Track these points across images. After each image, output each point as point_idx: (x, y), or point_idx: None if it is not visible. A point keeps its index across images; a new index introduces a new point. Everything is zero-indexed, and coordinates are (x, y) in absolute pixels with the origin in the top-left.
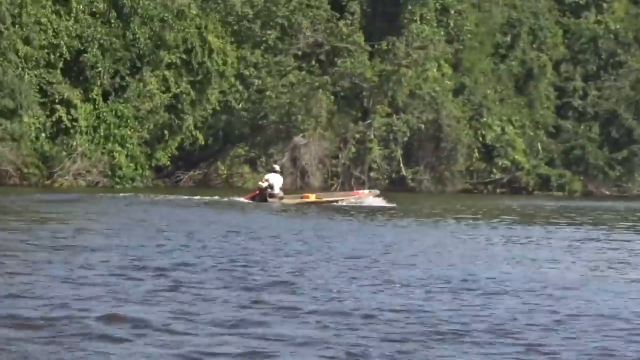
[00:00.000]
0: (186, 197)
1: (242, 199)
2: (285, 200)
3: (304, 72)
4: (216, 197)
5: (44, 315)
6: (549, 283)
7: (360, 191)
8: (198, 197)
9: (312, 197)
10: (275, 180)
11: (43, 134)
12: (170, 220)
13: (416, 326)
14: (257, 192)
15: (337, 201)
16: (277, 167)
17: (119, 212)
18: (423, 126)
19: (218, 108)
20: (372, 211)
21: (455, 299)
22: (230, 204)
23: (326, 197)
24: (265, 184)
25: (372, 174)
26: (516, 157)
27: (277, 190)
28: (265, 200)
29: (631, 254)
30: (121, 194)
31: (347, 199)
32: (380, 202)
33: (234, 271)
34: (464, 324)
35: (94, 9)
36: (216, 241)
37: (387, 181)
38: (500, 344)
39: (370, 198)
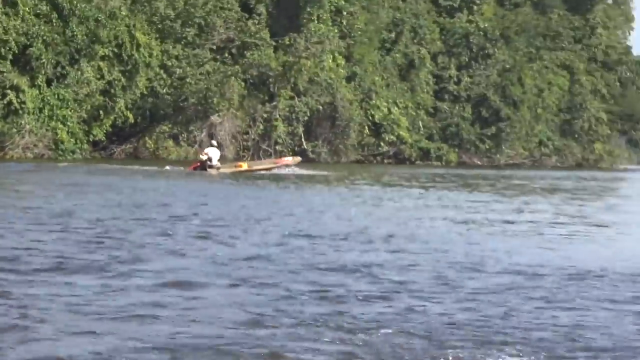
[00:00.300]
0: (142, 167)
1: (187, 169)
2: (222, 170)
3: (218, 63)
4: (167, 167)
5: None
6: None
7: (285, 158)
8: (151, 168)
9: (245, 166)
10: (214, 153)
11: None
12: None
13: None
14: (199, 163)
15: (266, 169)
16: (214, 143)
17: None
18: (321, 107)
19: (145, 92)
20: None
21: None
22: (176, 173)
23: (256, 166)
24: (205, 157)
25: (277, 147)
26: (400, 133)
27: (215, 162)
28: (205, 170)
29: (489, 211)
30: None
31: (275, 166)
32: (300, 169)
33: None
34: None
35: (38, 11)
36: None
37: (290, 154)
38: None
39: (292, 164)
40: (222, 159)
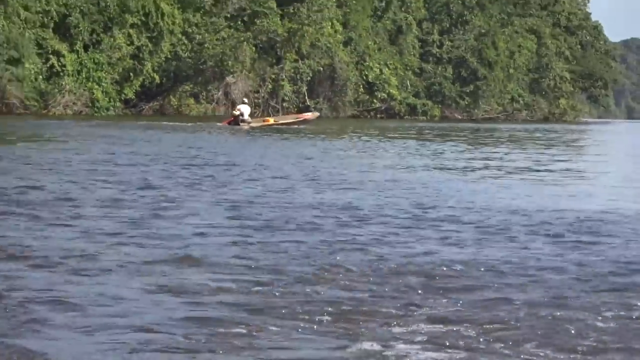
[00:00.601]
0: (182, 123)
1: (221, 124)
2: (252, 124)
3: (232, 30)
4: (200, 124)
5: None
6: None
7: (305, 114)
8: (192, 124)
9: (271, 121)
10: (245, 109)
11: (40, 76)
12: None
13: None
14: (232, 118)
15: (290, 123)
16: (246, 100)
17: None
18: (321, 69)
19: (169, 56)
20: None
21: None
22: (214, 127)
23: (281, 120)
24: (237, 113)
25: (284, 104)
26: (391, 91)
27: (246, 116)
28: (238, 124)
29: (467, 160)
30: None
31: (297, 120)
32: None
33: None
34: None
35: None
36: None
37: (295, 109)
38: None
39: (311, 118)
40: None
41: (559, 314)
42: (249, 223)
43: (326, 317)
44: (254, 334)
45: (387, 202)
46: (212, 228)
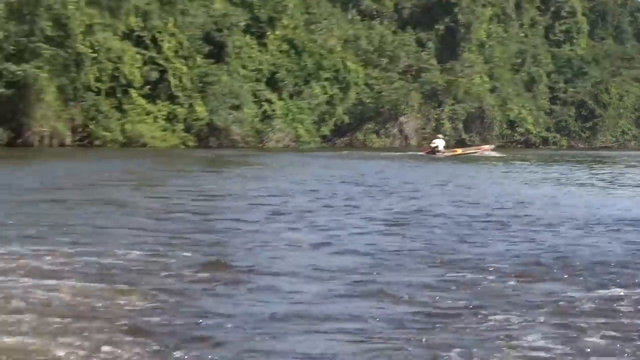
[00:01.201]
0: (389, 153)
1: (421, 153)
2: (445, 153)
3: (402, 82)
4: (409, 153)
5: None
6: None
7: (485, 145)
8: (399, 153)
9: (459, 151)
10: (440, 142)
11: (256, 119)
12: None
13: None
14: (430, 150)
15: (472, 153)
16: (440, 136)
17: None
18: (473, 110)
19: (355, 102)
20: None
21: None
22: (414, 157)
23: (467, 151)
24: (434, 145)
25: (445, 138)
26: (527, 126)
27: (441, 148)
28: (434, 154)
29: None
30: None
31: (478, 151)
32: (494, 153)
33: None
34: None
35: (281, 49)
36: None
37: (454, 142)
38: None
39: (488, 149)
40: (408, 146)
41: None
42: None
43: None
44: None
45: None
46: None
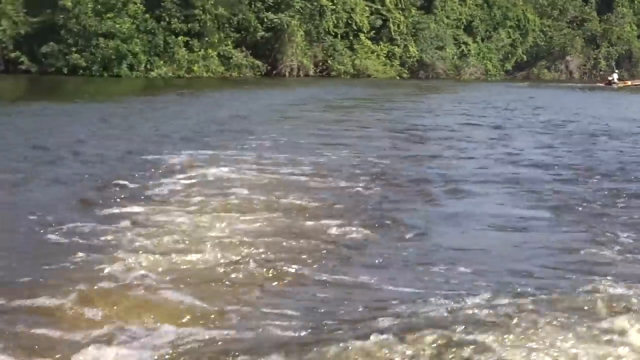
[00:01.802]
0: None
1: (601, 84)
2: (619, 84)
3: (569, 29)
4: (591, 85)
5: None
6: None
7: None
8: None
9: (629, 83)
10: (615, 76)
11: (455, 56)
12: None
13: None
14: (607, 82)
15: (638, 84)
16: (617, 70)
17: None
18: (623, 52)
19: (532, 44)
20: None
21: None
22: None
23: (635, 82)
24: (610, 78)
25: (600, 73)
26: None
27: (615, 80)
28: (610, 85)
29: None
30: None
31: None
32: None
33: None
34: None
35: (477, 2)
36: None
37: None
38: None
39: None
40: (572, 80)
41: None
42: None
43: None
44: None
45: None
46: None
